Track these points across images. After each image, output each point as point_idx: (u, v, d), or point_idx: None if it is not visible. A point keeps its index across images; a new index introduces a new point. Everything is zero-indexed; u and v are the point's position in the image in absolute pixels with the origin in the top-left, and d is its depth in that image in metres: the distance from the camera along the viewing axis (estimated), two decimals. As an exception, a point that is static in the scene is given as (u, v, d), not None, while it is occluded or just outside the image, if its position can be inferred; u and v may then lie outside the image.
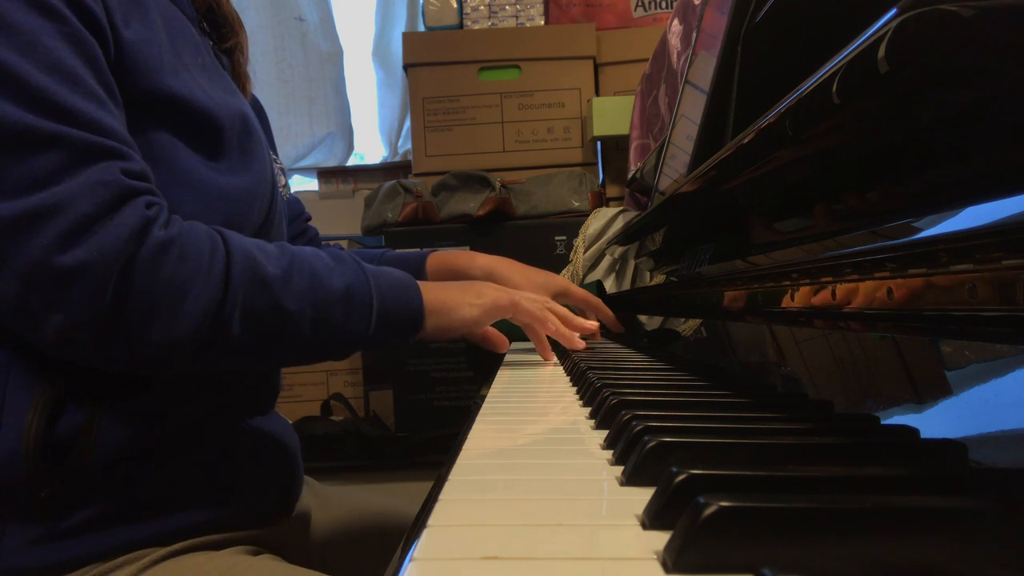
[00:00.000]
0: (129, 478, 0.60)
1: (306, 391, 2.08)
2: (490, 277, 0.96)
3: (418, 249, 1.11)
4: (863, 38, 0.33)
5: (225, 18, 0.80)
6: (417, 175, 2.06)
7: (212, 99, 0.66)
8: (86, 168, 0.53)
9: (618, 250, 1.51)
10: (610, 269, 1.60)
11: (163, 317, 0.55)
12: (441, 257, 1.00)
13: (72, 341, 0.54)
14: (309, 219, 1.02)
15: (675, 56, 1.39)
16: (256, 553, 0.66)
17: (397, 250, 1.04)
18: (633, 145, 1.71)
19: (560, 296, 0.98)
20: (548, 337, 0.86)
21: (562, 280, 1.02)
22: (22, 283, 0.52)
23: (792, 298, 0.50)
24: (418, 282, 0.72)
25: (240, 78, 0.81)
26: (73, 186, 0.52)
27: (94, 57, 0.57)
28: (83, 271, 0.52)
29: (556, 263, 1.82)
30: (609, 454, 0.39)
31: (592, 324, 0.93)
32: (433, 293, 0.74)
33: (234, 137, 0.68)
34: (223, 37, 0.80)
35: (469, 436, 0.44)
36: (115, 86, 0.59)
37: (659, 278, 1.15)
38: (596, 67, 2.09)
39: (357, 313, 0.65)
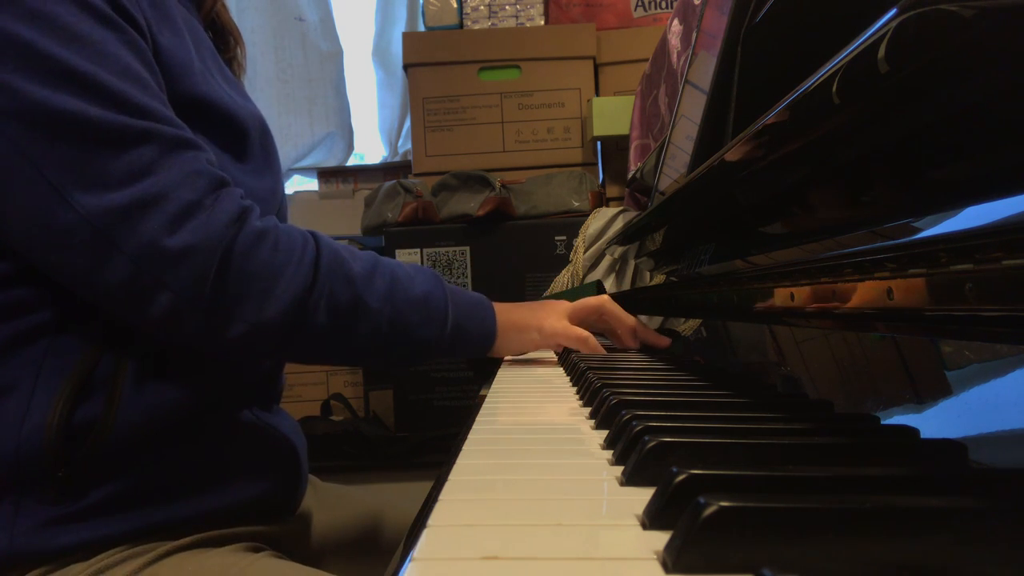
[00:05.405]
0: (138, 465, 0.62)
1: (306, 391, 2.07)
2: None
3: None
4: (863, 38, 0.33)
5: (226, 29, 0.84)
6: (417, 175, 2.06)
7: (236, 103, 0.69)
8: (176, 157, 0.58)
9: (618, 250, 1.50)
10: (610, 269, 1.60)
11: (256, 299, 0.60)
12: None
13: (175, 319, 0.58)
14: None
15: (675, 56, 1.39)
16: (258, 550, 0.67)
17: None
18: (633, 145, 1.71)
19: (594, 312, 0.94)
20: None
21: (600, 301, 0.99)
22: (134, 265, 0.56)
23: (792, 298, 0.49)
24: (492, 303, 0.76)
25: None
26: (171, 175, 0.57)
27: (150, 63, 0.61)
28: (191, 252, 0.57)
29: (556, 263, 1.82)
30: (609, 454, 0.39)
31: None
32: (505, 314, 0.77)
33: (256, 140, 0.72)
34: (222, 49, 0.83)
35: (469, 436, 0.44)
36: (165, 88, 0.63)
37: (659, 278, 1.15)
38: (596, 67, 2.09)
39: (433, 321, 0.69)
